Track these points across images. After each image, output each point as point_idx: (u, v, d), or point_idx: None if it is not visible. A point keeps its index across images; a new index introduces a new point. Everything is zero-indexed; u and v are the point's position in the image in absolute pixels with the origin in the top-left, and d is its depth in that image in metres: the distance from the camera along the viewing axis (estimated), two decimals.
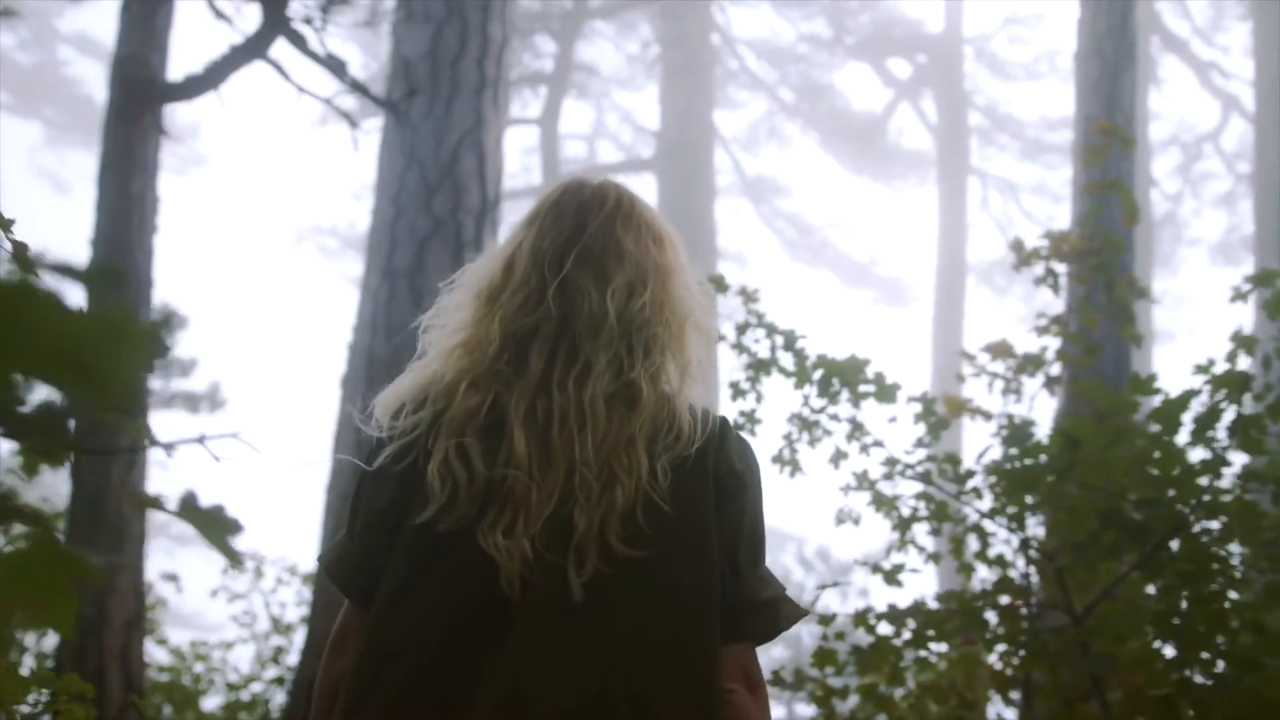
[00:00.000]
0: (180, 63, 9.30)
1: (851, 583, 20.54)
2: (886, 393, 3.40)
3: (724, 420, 1.53)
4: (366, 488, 1.50)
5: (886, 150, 20.99)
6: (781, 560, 24.30)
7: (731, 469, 1.48)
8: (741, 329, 3.81)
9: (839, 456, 3.76)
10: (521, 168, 19.55)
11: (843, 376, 3.41)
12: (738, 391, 3.76)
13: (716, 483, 1.46)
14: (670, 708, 1.34)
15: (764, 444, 3.86)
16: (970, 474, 3.30)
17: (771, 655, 22.13)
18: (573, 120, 23.48)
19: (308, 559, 7.60)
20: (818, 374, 3.62)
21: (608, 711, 1.32)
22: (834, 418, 3.65)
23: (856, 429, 3.57)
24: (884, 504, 3.67)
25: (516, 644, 1.34)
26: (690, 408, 1.48)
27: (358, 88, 5.20)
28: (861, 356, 3.51)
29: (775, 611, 1.47)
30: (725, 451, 1.48)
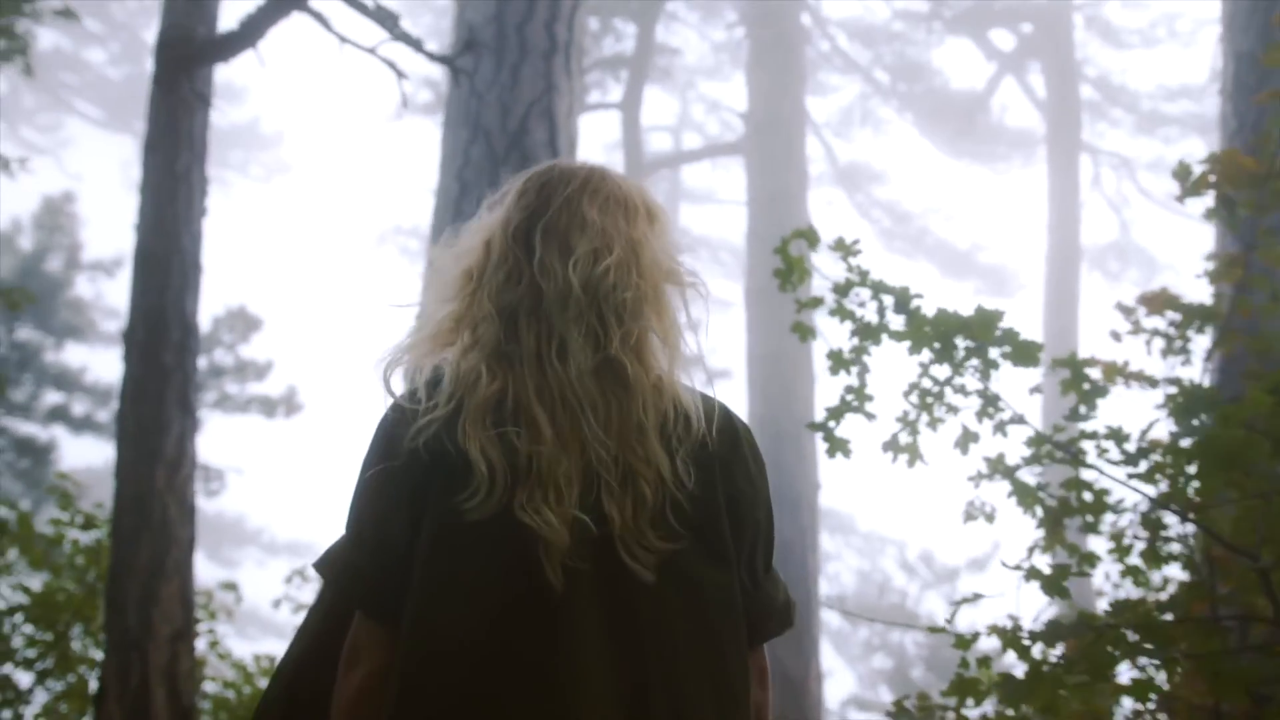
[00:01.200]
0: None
1: (965, 592, 19.55)
2: (1026, 353, 2.73)
3: (728, 410, 1.48)
4: (379, 479, 1.39)
5: (989, 130, 19.94)
6: (881, 565, 23.37)
7: (747, 471, 1.45)
8: (843, 289, 3.17)
9: (967, 439, 3.09)
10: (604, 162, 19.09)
11: (971, 333, 2.75)
12: (840, 363, 3.12)
13: (730, 485, 1.42)
14: (703, 710, 1.34)
15: (875, 426, 3.21)
16: (1145, 452, 2.60)
17: (872, 666, 21.18)
18: (656, 110, 22.89)
19: None
20: (939, 336, 2.97)
21: (644, 712, 1.31)
22: (960, 390, 3.00)
23: (989, 403, 2.90)
24: (1026, 495, 3.00)
25: (562, 641, 1.30)
26: (693, 394, 1.43)
27: (409, 42, 4.69)
28: (990, 309, 2.84)
29: (789, 613, 1.49)
30: (740, 452, 1.45)
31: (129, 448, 5.21)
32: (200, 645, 6.60)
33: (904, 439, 3.15)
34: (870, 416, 3.10)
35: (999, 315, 2.76)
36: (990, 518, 3.16)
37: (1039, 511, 3.05)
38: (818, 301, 3.30)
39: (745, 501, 1.44)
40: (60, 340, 13.55)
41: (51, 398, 12.98)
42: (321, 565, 1.43)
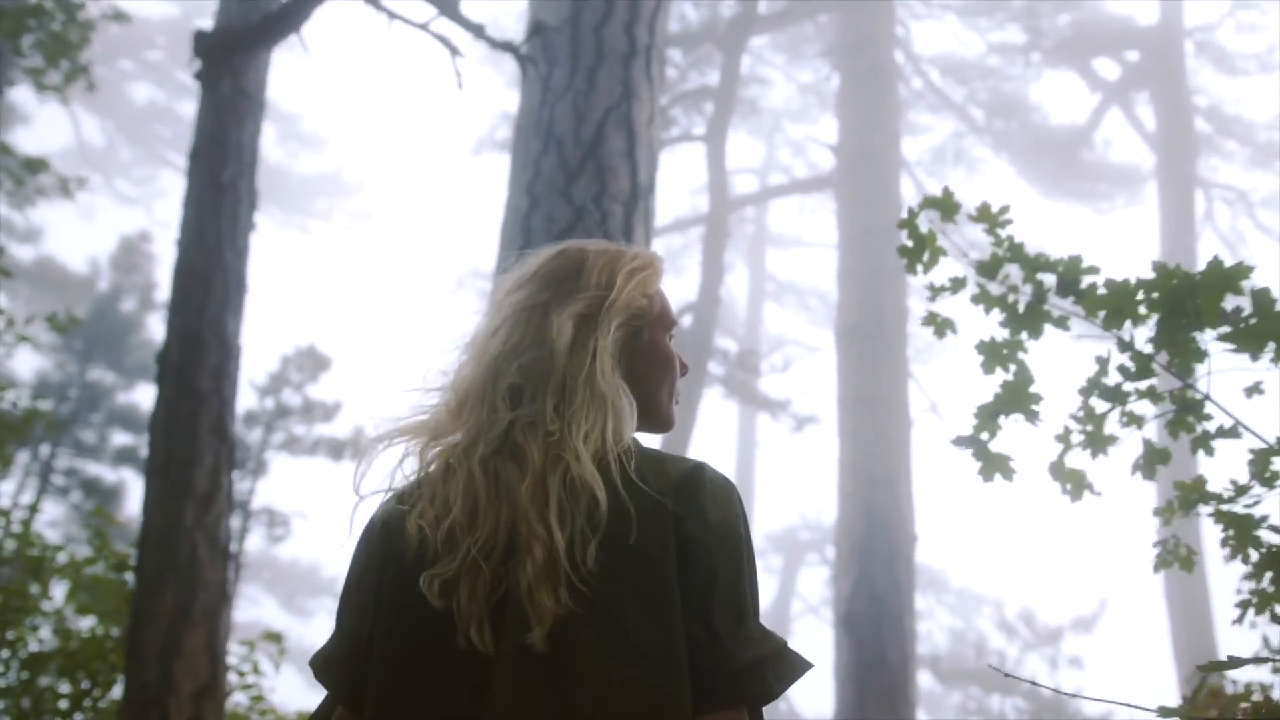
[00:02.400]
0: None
1: (1070, 655, 18.33)
2: (1274, 325, 2.02)
3: (699, 468, 1.46)
4: (356, 575, 1.52)
5: (1091, 167, 19.00)
6: (976, 625, 22.15)
7: (702, 520, 1.42)
8: (989, 267, 2.51)
9: (1154, 460, 2.40)
10: (691, 208, 18.57)
11: (1186, 299, 2.07)
12: (994, 358, 2.46)
13: (684, 542, 1.40)
14: None
15: (1034, 449, 2.55)
16: None
17: None
18: (741, 153, 22.38)
19: None
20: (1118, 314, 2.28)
21: None
22: (1147, 394, 2.31)
23: (1189, 409, 2.20)
24: (1241, 531, 2.28)
25: (491, 701, 1.34)
26: (639, 461, 1.43)
27: (469, 26, 4.17)
28: (1222, 264, 2.15)
29: (763, 672, 1.39)
30: (696, 503, 1.42)
31: (157, 481, 4.69)
32: (242, 699, 6.03)
33: (1070, 461, 2.46)
34: (1033, 418, 2.42)
35: (1246, 271, 2.07)
36: (1189, 563, 2.44)
37: (1253, 555, 2.32)
38: (959, 284, 2.64)
39: (697, 548, 1.40)
40: (131, 381, 13.35)
41: (120, 439, 12.75)
42: (313, 661, 1.53)
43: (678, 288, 19.32)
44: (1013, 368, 2.50)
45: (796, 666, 1.41)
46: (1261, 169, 17.80)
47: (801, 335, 22.54)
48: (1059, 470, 2.51)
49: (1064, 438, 2.52)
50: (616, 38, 6.00)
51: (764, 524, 24.55)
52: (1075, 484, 2.51)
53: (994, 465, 2.45)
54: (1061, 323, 2.44)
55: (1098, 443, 2.47)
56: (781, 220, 24.10)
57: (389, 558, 1.44)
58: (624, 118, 5.91)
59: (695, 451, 12.71)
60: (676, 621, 1.37)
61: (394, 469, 1.51)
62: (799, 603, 23.55)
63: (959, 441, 2.47)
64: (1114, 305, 2.30)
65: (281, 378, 11.45)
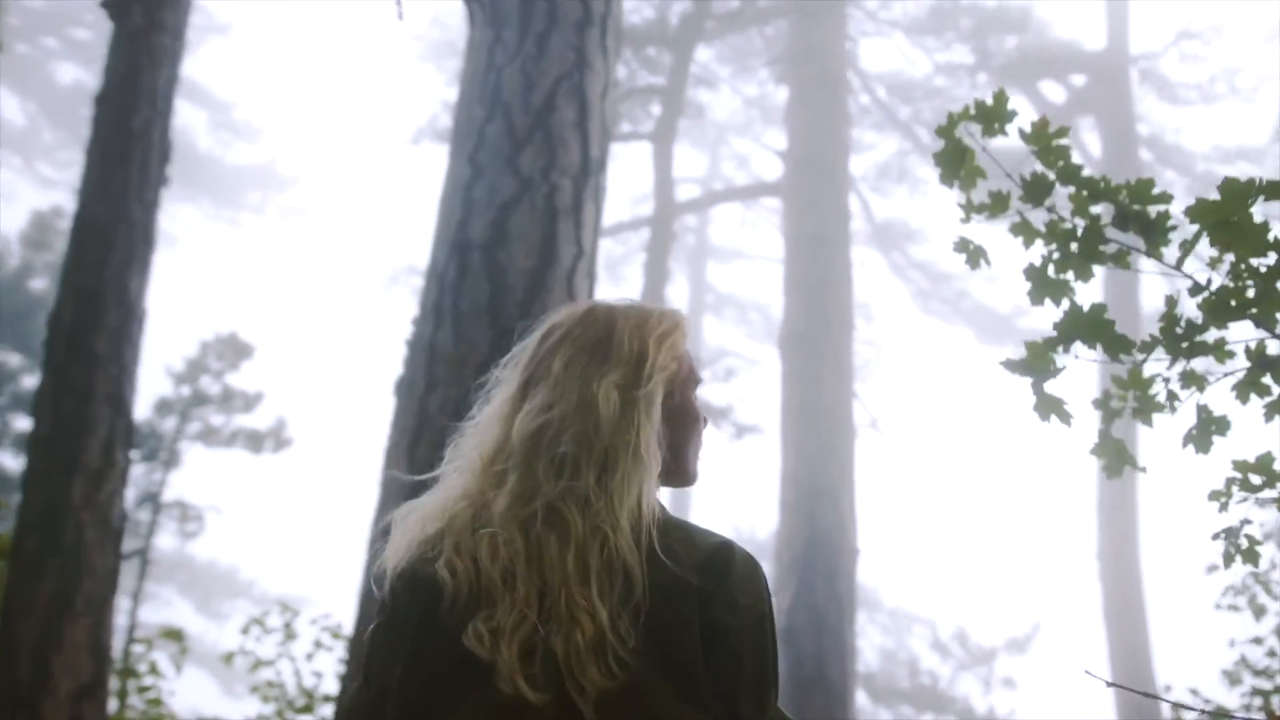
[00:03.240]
0: None
1: (1003, 676, 18.23)
2: None
3: (727, 546, 1.45)
4: (383, 630, 1.50)
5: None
6: (909, 645, 22.02)
7: (731, 604, 1.41)
8: (1036, 188, 2.21)
9: (1211, 430, 2.09)
10: (632, 215, 18.23)
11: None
12: (1045, 286, 2.14)
13: (710, 620, 1.40)
14: None
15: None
16: None
17: None
18: (686, 163, 22.13)
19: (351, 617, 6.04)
20: None
21: None
22: (1215, 349, 2.01)
23: (1270, 367, 1.88)
24: None
25: None
26: (667, 534, 1.43)
27: None
28: None
29: None
30: (725, 585, 1.42)
31: (41, 453, 4.18)
32: (137, 703, 5.50)
33: (1117, 431, 2.12)
34: (1119, 350, 2.09)
35: None
36: (1253, 556, 2.11)
37: None
38: (1001, 202, 2.32)
39: (723, 631, 1.40)
40: (38, 363, 12.60)
41: (25, 424, 12.01)
42: (339, 710, 2.04)
43: (616, 296, 18.90)
44: (1065, 301, 2.15)
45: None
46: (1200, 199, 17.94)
47: (741, 349, 22.28)
48: (1105, 442, 2.17)
49: (1103, 402, 2.18)
50: (570, 2, 5.63)
51: None
52: (1115, 458, 2.17)
53: (1048, 406, 2.11)
54: (1121, 258, 2.11)
55: (1147, 409, 2.13)
56: (723, 233, 23.81)
57: (413, 609, 1.45)
58: (576, 88, 5.53)
59: None
60: (704, 702, 1.38)
61: (412, 537, 1.50)
62: None
63: (1010, 365, 2.12)
64: (1223, 212, 1.95)
65: (199, 364, 10.85)
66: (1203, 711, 2.45)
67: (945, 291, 19.91)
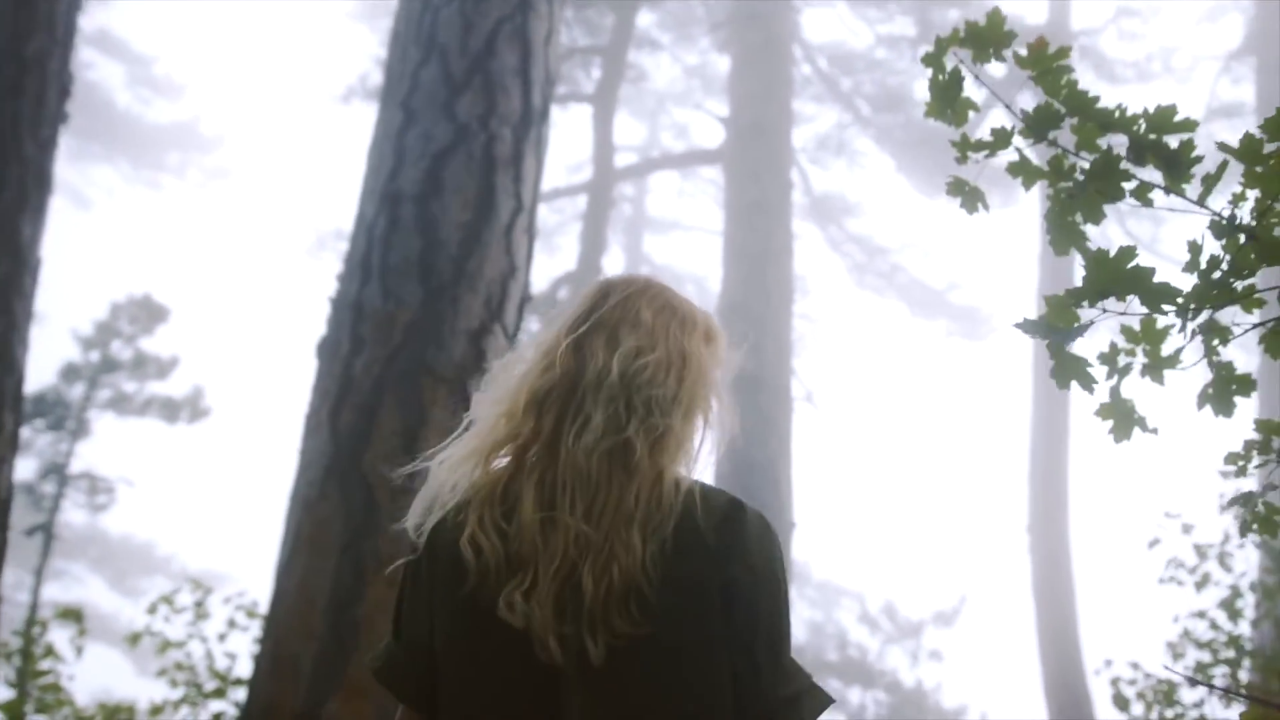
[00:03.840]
0: None
1: (931, 649, 18.32)
2: None
3: (739, 505, 1.50)
4: (408, 585, 1.56)
5: (969, 166, 18.99)
6: (837, 618, 22.08)
7: (747, 562, 1.46)
8: (1042, 118, 1.93)
9: (1231, 390, 1.85)
10: (568, 183, 17.81)
11: None
12: (1065, 232, 1.87)
13: (728, 579, 1.44)
14: None
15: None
16: None
17: None
18: (623, 133, 21.75)
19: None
20: None
21: None
22: (1244, 296, 1.77)
23: None
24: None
25: (562, 711, 1.41)
26: (694, 485, 1.48)
27: None
28: None
29: (799, 706, 1.46)
30: (741, 542, 1.46)
31: None
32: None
33: (1125, 392, 1.86)
34: (1160, 300, 1.81)
35: None
36: (1272, 527, 1.87)
37: None
38: (1003, 138, 2.04)
39: (743, 589, 1.45)
40: None
41: None
42: (371, 662, 1.61)
43: (550, 266, 18.56)
44: (1079, 250, 1.88)
45: (823, 700, 1.48)
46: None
47: None
48: (1115, 402, 1.92)
49: (1109, 357, 1.92)
50: None
51: None
52: (1123, 419, 1.91)
53: (1069, 370, 1.84)
54: (1143, 193, 1.84)
55: (1157, 365, 1.87)
56: (660, 203, 23.51)
57: (438, 582, 1.49)
58: (518, 31, 5.18)
59: None
60: (724, 656, 1.43)
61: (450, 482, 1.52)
62: None
63: (1027, 326, 1.85)
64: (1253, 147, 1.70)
65: (110, 328, 10.25)
66: (1194, 681, 2.20)
67: (880, 265, 19.84)
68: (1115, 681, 5.28)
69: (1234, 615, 5.05)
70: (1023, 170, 1.99)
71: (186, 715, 4.83)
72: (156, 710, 4.79)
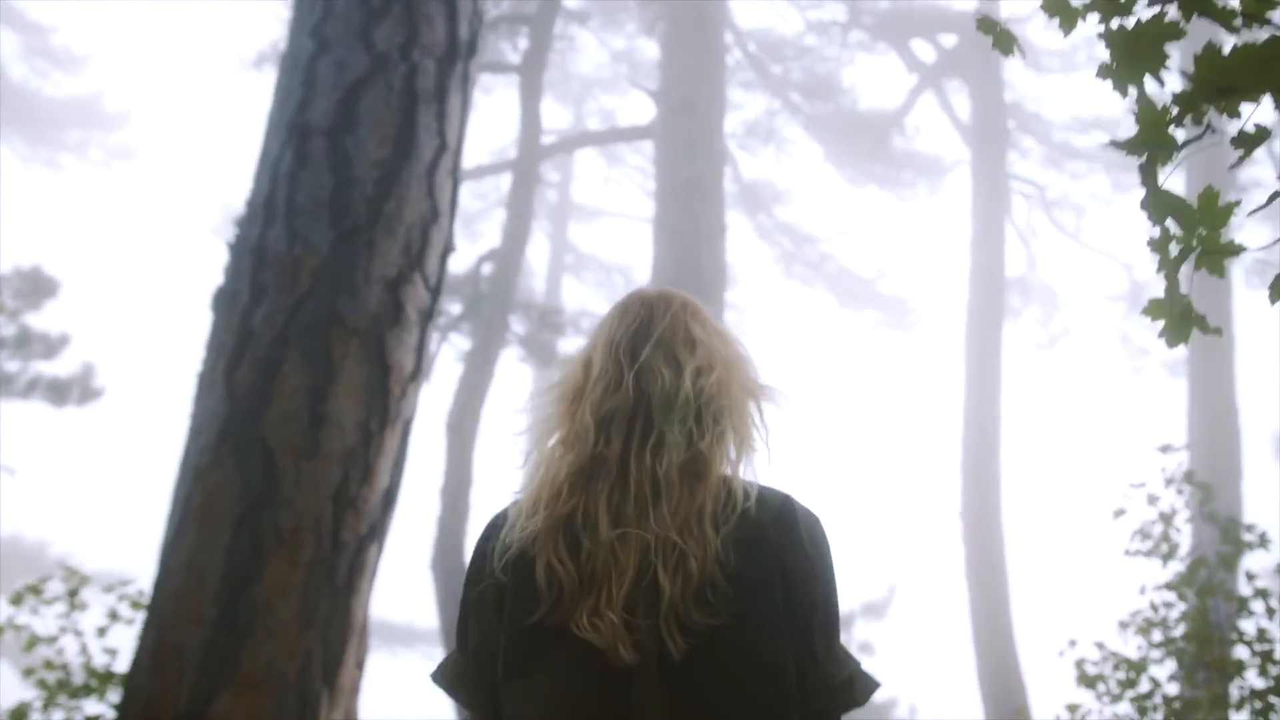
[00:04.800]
0: None
1: (861, 641, 18.13)
2: None
3: (791, 500, 1.60)
4: (476, 599, 1.63)
5: (897, 154, 18.88)
6: None
7: (804, 553, 1.55)
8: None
9: None
10: (491, 161, 17.23)
11: None
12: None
13: (787, 569, 1.53)
14: None
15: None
16: None
17: None
18: (548, 118, 21.22)
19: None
20: None
21: None
22: None
23: None
24: None
25: (628, 712, 1.46)
26: (750, 485, 1.58)
27: None
28: None
29: (853, 689, 1.55)
30: (796, 535, 1.56)
31: None
32: None
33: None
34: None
35: None
36: None
37: None
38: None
39: (800, 579, 1.54)
40: None
41: None
42: (438, 677, 1.69)
43: (472, 253, 17.94)
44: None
45: (873, 683, 1.58)
46: (1055, 168, 18.11)
47: (602, 311, 21.56)
48: (1170, 297, 1.53)
49: (1161, 244, 1.54)
50: None
51: None
52: (1181, 319, 1.53)
53: (1164, 204, 1.46)
54: (1229, 17, 1.47)
55: (1219, 253, 1.50)
56: (586, 190, 23.09)
57: (509, 603, 1.56)
58: None
59: (489, 417, 11.52)
60: (788, 644, 1.52)
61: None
62: None
63: (1122, 145, 1.45)
64: None
65: None
66: None
67: (809, 254, 19.63)
68: (1080, 663, 4.98)
69: (1203, 591, 4.79)
70: (1059, 9, 1.61)
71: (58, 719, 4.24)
72: (19, 715, 4.17)
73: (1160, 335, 1.66)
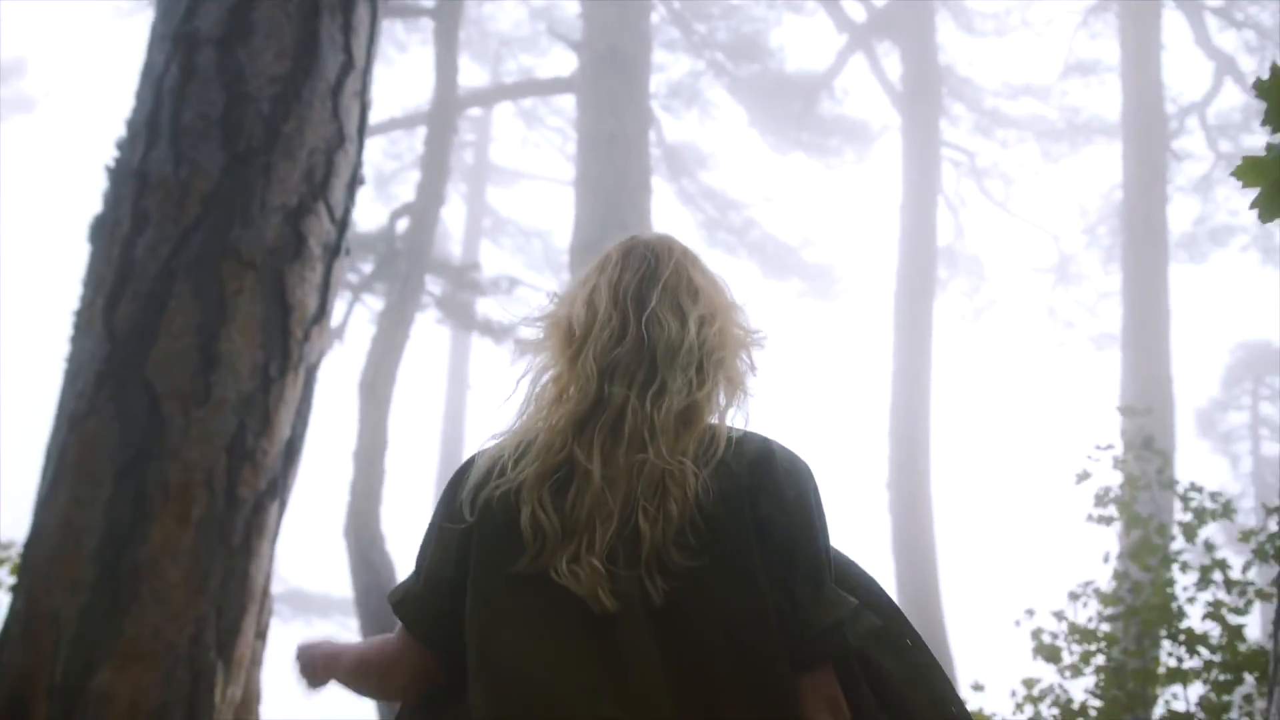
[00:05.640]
0: None
1: None
2: None
3: (770, 444, 1.60)
4: (442, 534, 1.62)
5: (823, 120, 18.68)
6: None
7: (779, 497, 1.54)
8: None
9: None
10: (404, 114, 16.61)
11: None
12: None
13: (759, 514, 1.52)
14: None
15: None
16: None
17: None
18: (466, 75, 20.60)
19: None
20: None
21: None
22: None
23: None
24: None
25: (616, 655, 1.46)
26: (734, 431, 1.59)
27: None
28: None
29: (842, 633, 1.52)
30: (771, 480, 1.55)
31: None
32: None
33: None
34: None
35: None
36: None
37: None
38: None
39: (774, 526, 1.52)
40: None
41: None
42: (391, 595, 1.67)
43: (376, 214, 17.33)
44: None
45: (867, 624, 1.53)
46: (984, 135, 18.08)
47: (520, 277, 21.08)
48: (1272, 156, 1.25)
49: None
50: None
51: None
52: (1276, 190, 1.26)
53: None
54: None
55: None
56: (504, 152, 22.51)
57: (486, 547, 1.55)
58: None
59: (404, 379, 11.08)
60: (764, 591, 1.49)
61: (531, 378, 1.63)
62: None
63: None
64: None
65: None
66: None
67: (733, 221, 19.38)
68: (1037, 633, 4.78)
69: (1166, 560, 4.62)
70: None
71: None
72: None
73: (1252, 206, 1.45)
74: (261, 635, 3.83)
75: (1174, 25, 16.36)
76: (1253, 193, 1.46)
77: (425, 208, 10.35)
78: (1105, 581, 5.04)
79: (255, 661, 3.79)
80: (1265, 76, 1.59)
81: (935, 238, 14.98)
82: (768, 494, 1.52)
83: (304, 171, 3.84)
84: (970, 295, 18.97)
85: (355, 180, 4.13)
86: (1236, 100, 17.19)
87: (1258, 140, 17.73)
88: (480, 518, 1.54)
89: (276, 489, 3.67)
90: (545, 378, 1.61)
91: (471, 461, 1.62)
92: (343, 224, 4.03)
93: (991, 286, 18.96)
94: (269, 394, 3.63)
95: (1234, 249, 18.35)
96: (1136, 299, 12.73)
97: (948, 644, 12.28)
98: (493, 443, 1.62)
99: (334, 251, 3.99)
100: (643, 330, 1.58)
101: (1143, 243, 12.92)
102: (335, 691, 1.76)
